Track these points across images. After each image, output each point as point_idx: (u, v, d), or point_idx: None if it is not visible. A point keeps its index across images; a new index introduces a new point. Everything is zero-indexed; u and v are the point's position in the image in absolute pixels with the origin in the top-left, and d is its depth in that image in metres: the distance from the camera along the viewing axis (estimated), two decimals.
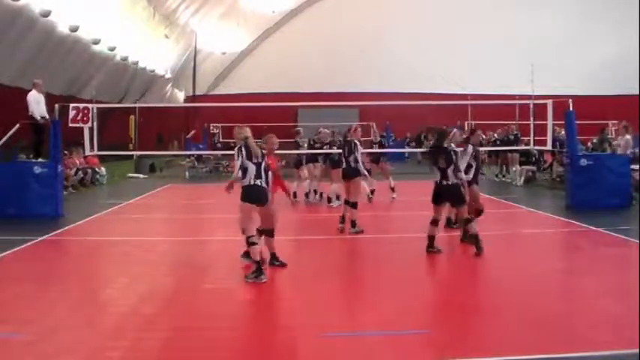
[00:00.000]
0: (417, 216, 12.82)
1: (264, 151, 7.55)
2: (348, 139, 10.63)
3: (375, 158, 15.27)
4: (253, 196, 7.34)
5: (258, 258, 7.19)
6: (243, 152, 7.38)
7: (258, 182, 7.34)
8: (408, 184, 16.64)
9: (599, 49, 35.13)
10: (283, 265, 7.77)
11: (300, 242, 9.68)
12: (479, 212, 8.94)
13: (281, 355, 5.06)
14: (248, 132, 7.52)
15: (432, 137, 8.77)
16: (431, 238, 8.38)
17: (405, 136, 32.15)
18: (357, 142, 10.47)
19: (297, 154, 14.74)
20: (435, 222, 8.39)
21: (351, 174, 10.31)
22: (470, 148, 8.86)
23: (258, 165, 7.38)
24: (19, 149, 14.20)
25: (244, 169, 7.37)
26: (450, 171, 8.20)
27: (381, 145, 16.40)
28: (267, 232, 7.70)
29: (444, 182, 8.22)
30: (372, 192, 14.16)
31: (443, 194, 8.31)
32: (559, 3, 35.77)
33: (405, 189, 15.15)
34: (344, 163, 10.46)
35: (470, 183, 8.75)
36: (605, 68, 34.97)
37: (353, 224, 10.05)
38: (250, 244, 7.26)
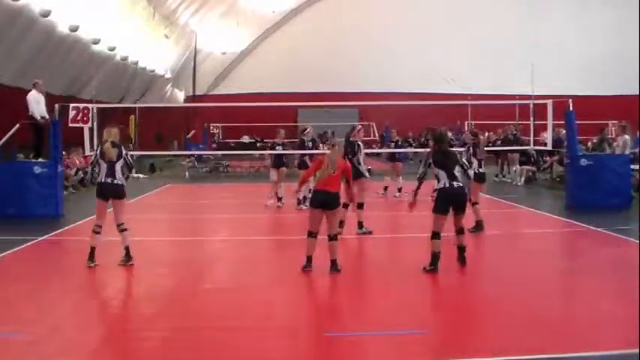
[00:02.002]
0: (418, 216, 12.84)
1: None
2: (351, 139, 10.52)
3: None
4: (103, 192, 7.97)
5: (95, 244, 7.89)
6: (98, 152, 8.07)
7: (108, 180, 7.91)
8: (410, 184, 16.60)
9: (600, 49, 35.11)
10: (338, 271, 7.49)
11: (300, 242, 9.67)
12: None
13: (281, 355, 5.05)
14: (112, 136, 8.01)
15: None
16: None
17: (407, 136, 32.09)
18: (360, 144, 10.47)
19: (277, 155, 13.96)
20: None
21: (355, 175, 10.28)
22: None
23: (110, 164, 7.90)
24: (17, 148, 14.20)
25: (98, 167, 8.01)
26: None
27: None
28: (332, 236, 7.55)
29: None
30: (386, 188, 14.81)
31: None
32: (559, 3, 35.78)
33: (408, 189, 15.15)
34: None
35: None
36: (605, 68, 34.95)
37: (360, 225, 10.03)
38: (94, 231, 7.92)
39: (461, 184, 7.55)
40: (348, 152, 10.38)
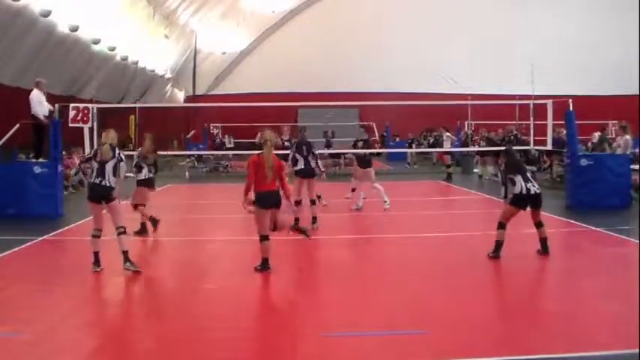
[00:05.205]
0: (414, 216, 12.85)
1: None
2: (307, 140, 11.10)
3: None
4: (92, 193, 7.78)
5: (96, 249, 7.67)
6: (92, 152, 8.08)
7: (97, 180, 7.73)
8: (410, 184, 16.63)
9: (600, 49, 35.15)
10: (267, 269, 7.56)
11: (298, 243, 9.68)
12: None
13: (281, 355, 5.05)
14: (110, 139, 7.93)
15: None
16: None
17: (407, 136, 32.09)
18: (313, 143, 11.21)
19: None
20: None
21: (311, 173, 10.92)
22: None
23: (101, 164, 7.75)
24: (17, 148, 14.19)
25: (91, 169, 8.01)
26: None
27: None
28: (260, 237, 7.55)
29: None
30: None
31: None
32: (559, 3, 35.79)
33: (409, 189, 15.14)
34: (302, 163, 10.78)
35: None
36: (606, 68, 34.98)
37: (314, 219, 10.65)
38: (92, 235, 7.71)
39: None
40: (303, 151, 10.85)
